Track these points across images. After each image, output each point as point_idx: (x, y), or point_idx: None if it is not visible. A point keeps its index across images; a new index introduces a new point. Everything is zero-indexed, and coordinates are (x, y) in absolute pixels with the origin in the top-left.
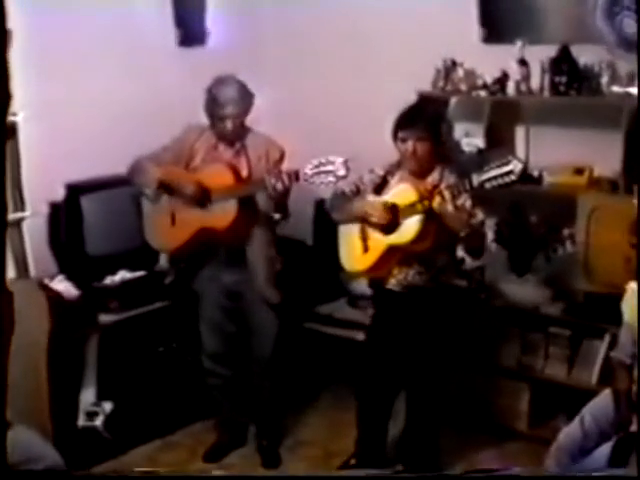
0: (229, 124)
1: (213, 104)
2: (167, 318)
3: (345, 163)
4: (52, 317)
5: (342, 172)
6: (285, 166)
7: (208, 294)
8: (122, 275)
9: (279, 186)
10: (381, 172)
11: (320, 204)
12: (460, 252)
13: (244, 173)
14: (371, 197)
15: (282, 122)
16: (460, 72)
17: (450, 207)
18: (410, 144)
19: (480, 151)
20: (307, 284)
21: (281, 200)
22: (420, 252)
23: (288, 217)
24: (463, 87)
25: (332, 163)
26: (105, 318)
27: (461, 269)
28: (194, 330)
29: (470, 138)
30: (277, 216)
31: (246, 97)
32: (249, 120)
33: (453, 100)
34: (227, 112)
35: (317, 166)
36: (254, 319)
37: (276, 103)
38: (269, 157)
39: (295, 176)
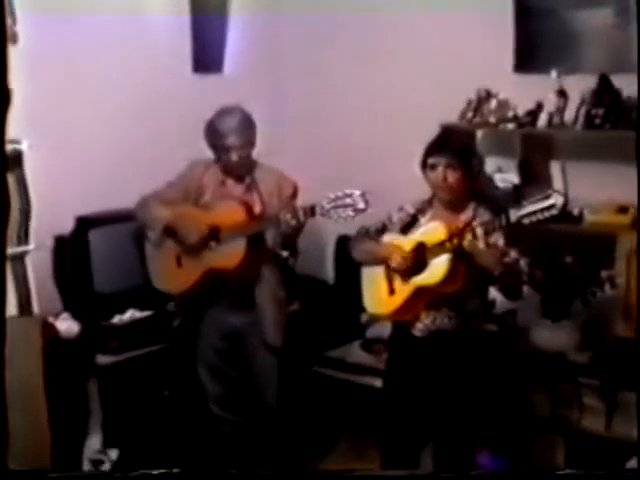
0: (234, 156)
1: (214, 135)
2: (171, 360)
3: (364, 196)
4: (45, 357)
5: (361, 205)
6: (298, 201)
7: (207, 335)
8: (131, 314)
9: (293, 222)
10: (411, 210)
11: (342, 241)
12: (492, 294)
13: (256, 209)
14: (396, 236)
15: (300, 152)
16: (493, 103)
17: (482, 245)
18: (440, 171)
19: (516, 187)
20: (323, 326)
21: (291, 237)
22: (450, 294)
23: (297, 255)
24: (492, 119)
25: (350, 196)
26: (104, 359)
27: (492, 313)
28: (197, 374)
29: (503, 174)
30: (285, 254)
31: (248, 127)
32: (259, 153)
33: (479, 133)
34: (229, 143)
35: (334, 200)
36: (255, 364)
37: (295, 132)
38: (281, 192)
39: (311, 211)
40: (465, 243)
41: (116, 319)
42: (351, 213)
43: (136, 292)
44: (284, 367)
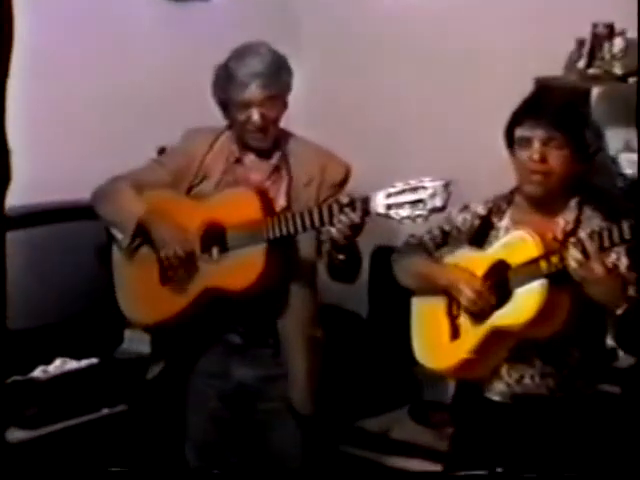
0: (256, 116)
1: (229, 84)
2: (132, 434)
3: (446, 188)
4: None
5: (439, 202)
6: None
7: (198, 395)
8: (60, 364)
9: (344, 221)
10: (481, 210)
11: (381, 254)
12: (611, 341)
13: (281, 202)
14: (464, 251)
15: (324, 126)
16: (618, 44)
17: (596, 267)
18: (536, 148)
19: None
20: (354, 381)
21: (343, 244)
22: (544, 340)
23: (358, 265)
24: (617, 69)
25: (424, 188)
26: (17, 435)
27: (610, 368)
28: (172, 451)
29: (633, 153)
30: (341, 257)
31: (280, 73)
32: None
33: (596, 92)
34: (250, 95)
35: (400, 192)
36: (271, 442)
37: (315, 96)
38: (325, 177)
39: (363, 206)
40: (570, 263)
41: (37, 372)
42: (423, 212)
43: (71, 327)
44: (311, 445)
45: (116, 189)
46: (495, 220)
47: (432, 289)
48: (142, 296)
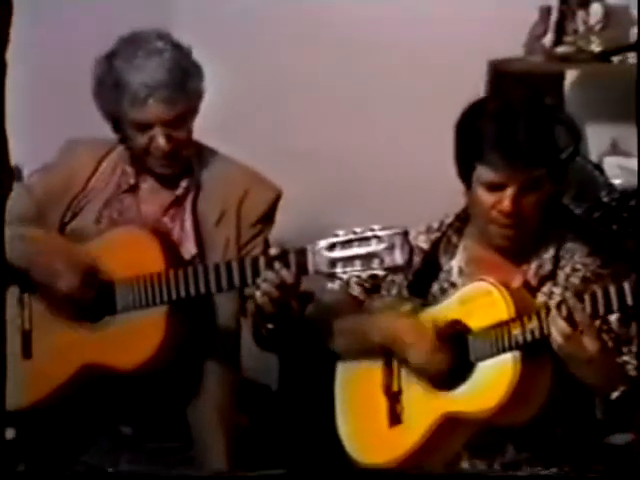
0: (161, 141)
1: (118, 95)
2: None
3: (405, 238)
4: None
5: (399, 258)
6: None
7: None
8: None
9: (272, 280)
10: (423, 243)
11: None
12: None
13: (189, 247)
14: (406, 304)
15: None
16: (596, 13)
17: (589, 342)
18: (510, 195)
19: None
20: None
21: (273, 308)
22: (516, 427)
23: (285, 331)
24: (595, 47)
25: (377, 239)
26: None
27: (602, 444)
28: None
29: (621, 156)
30: (270, 326)
31: (190, 80)
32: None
33: (570, 76)
34: (152, 115)
35: (346, 243)
36: None
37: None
38: (242, 212)
39: (299, 261)
40: (553, 335)
41: None
42: (379, 271)
43: None
44: None
45: None
46: (443, 260)
47: (364, 350)
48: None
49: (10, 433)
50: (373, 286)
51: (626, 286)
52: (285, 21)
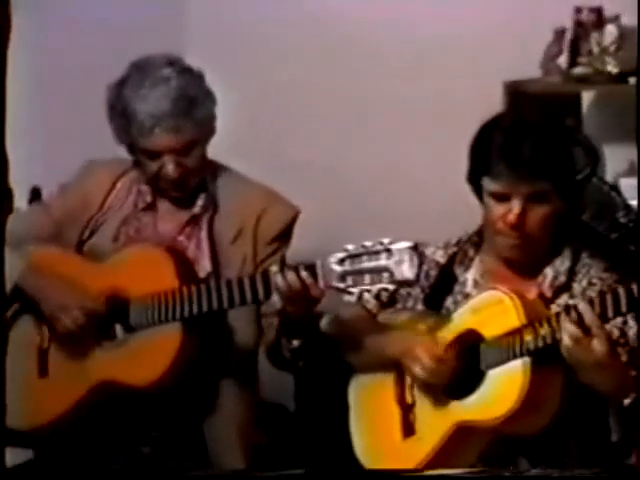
0: (170, 167)
1: (127, 123)
2: None
3: (414, 252)
4: None
5: (408, 272)
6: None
7: None
8: None
9: (283, 287)
10: (440, 257)
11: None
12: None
13: (204, 265)
14: (421, 314)
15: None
16: (611, 33)
17: (598, 346)
18: (516, 206)
19: None
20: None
21: (292, 320)
22: (527, 437)
23: (311, 347)
24: (611, 68)
25: (387, 252)
26: None
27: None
28: None
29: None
30: (296, 343)
31: (198, 108)
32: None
33: (587, 97)
34: (159, 144)
35: (356, 257)
36: None
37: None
38: (259, 231)
39: (310, 273)
40: (563, 339)
41: None
42: (389, 285)
43: None
44: None
45: None
46: (459, 271)
47: (377, 363)
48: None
49: (28, 454)
50: (389, 299)
51: (635, 287)
52: (297, 36)
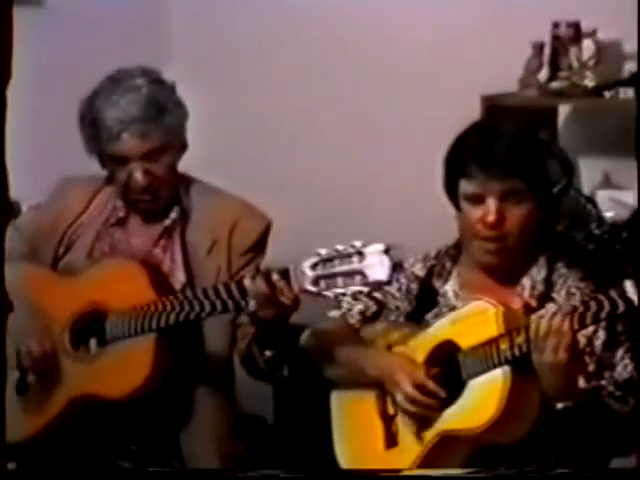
0: (138, 175)
1: (96, 131)
2: None
3: (386, 254)
4: None
5: (381, 273)
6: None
7: None
8: None
9: (254, 290)
10: (419, 270)
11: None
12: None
13: (179, 276)
14: (401, 328)
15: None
16: (588, 48)
17: (560, 346)
18: (491, 206)
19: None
20: None
21: (268, 328)
22: (508, 445)
23: (284, 357)
24: (589, 81)
25: (359, 255)
26: None
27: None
28: None
29: (614, 189)
30: (268, 354)
31: (167, 116)
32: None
33: (563, 111)
34: (126, 150)
35: (328, 261)
36: None
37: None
38: (233, 241)
39: (283, 278)
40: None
41: None
42: (360, 287)
43: None
44: None
45: None
46: (438, 284)
47: (359, 380)
48: None
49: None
50: (374, 314)
51: (614, 294)
52: (274, 51)
